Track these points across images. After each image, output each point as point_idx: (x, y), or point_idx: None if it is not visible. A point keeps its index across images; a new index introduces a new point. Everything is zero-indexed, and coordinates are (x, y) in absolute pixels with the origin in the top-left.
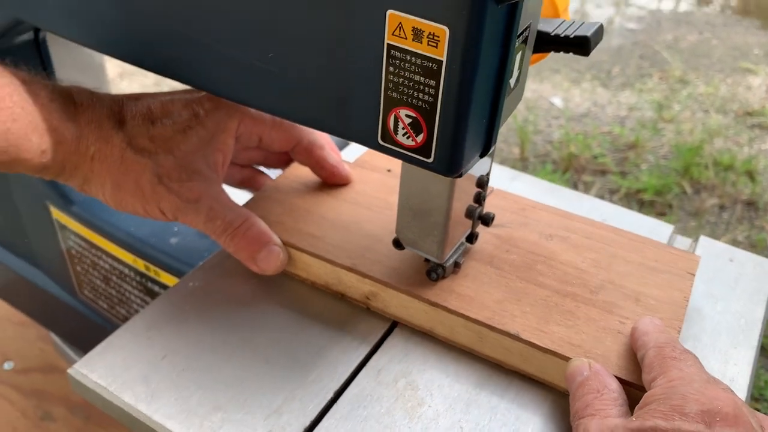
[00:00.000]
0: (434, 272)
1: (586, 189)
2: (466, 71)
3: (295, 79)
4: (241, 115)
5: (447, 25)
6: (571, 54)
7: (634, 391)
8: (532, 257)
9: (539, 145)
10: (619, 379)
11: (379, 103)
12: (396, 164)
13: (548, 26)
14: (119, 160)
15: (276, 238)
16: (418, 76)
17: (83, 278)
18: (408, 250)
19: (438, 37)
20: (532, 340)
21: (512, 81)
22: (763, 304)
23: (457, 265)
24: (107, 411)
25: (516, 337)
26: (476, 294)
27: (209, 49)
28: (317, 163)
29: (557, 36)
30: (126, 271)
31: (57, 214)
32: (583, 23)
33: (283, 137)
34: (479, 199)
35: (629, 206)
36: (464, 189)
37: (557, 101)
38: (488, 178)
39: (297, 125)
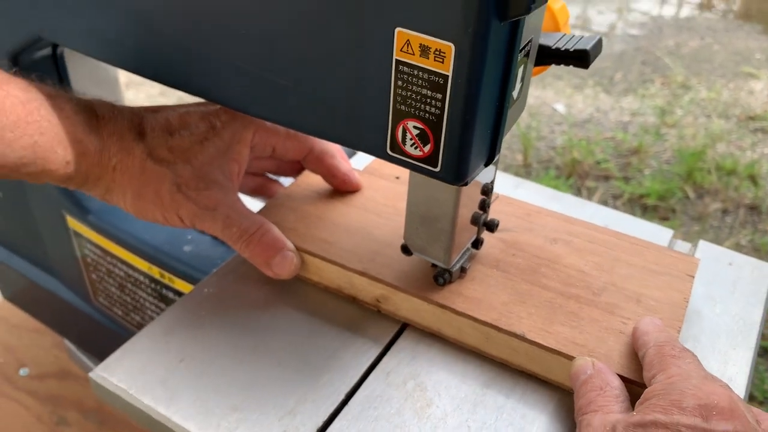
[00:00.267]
0: (441, 277)
1: (590, 194)
2: (471, 85)
3: (308, 94)
4: (256, 126)
5: (453, 42)
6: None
7: (635, 388)
8: (537, 261)
9: (542, 151)
10: (621, 377)
11: (388, 116)
12: (404, 171)
13: (549, 40)
14: (140, 170)
15: (290, 244)
16: (426, 90)
17: (98, 286)
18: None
19: (444, 53)
20: (538, 340)
21: (515, 93)
22: (761, 306)
23: (463, 270)
24: (127, 413)
25: (522, 338)
26: (483, 296)
27: (225, 65)
28: (328, 172)
29: (558, 49)
30: (141, 278)
31: (73, 223)
32: (582, 37)
33: (296, 147)
34: (484, 206)
35: (632, 211)
36: (470, 196)
37: (560, 107)
38: (493, 186)
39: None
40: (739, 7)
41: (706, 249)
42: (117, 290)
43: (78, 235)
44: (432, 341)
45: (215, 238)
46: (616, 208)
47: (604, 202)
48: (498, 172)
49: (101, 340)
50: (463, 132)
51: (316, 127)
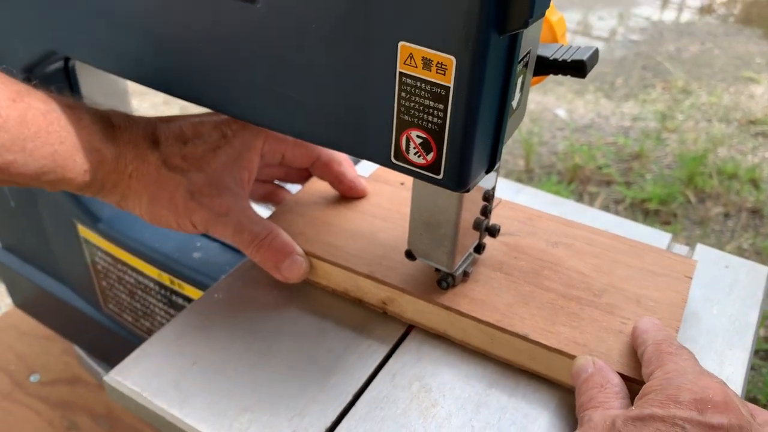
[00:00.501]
0: (444, 281)
1: (591, 199)
2: (471, 96)
3: (315, 105)
4: (266, 135)
5: (454, 55)
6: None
7: (634, 385)
8: (539, 263)
9: (544, 156)
10: (621, 375)
11: (392, 126)
12: (408, 178)
13: (547, 51)
14: (155, 178)
15: (299, 249)
16: (428, 101)
17: (108, 293)
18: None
19: (446, 65)
20: (540, 340)
21: (514, 103)
22: (756, 308)
23: (466, 274)
24: (141, 416)
25: (525, 338)
26: (487, 298)
27: (235, 79)
28: (336, 178)
29: (555, 60)
30: (151, 285)
31: (83, 231)
32: (579, 48)
33: (304, 154)
34: (486, 211)
35: (634, 216)
36: (472, 202)
37: (561, 113)
38: (494, 192)
39: None
40: (740, 12)
41: (703, 252)
42: (127, 297)
43: (88, 243)
44: (437, 343)
45: (224, 244)
46: (618, 213)
47: (606, 207)
48: (500, 179)
49: (111, 346)
50: (465, 141)
51: (323, 137)
